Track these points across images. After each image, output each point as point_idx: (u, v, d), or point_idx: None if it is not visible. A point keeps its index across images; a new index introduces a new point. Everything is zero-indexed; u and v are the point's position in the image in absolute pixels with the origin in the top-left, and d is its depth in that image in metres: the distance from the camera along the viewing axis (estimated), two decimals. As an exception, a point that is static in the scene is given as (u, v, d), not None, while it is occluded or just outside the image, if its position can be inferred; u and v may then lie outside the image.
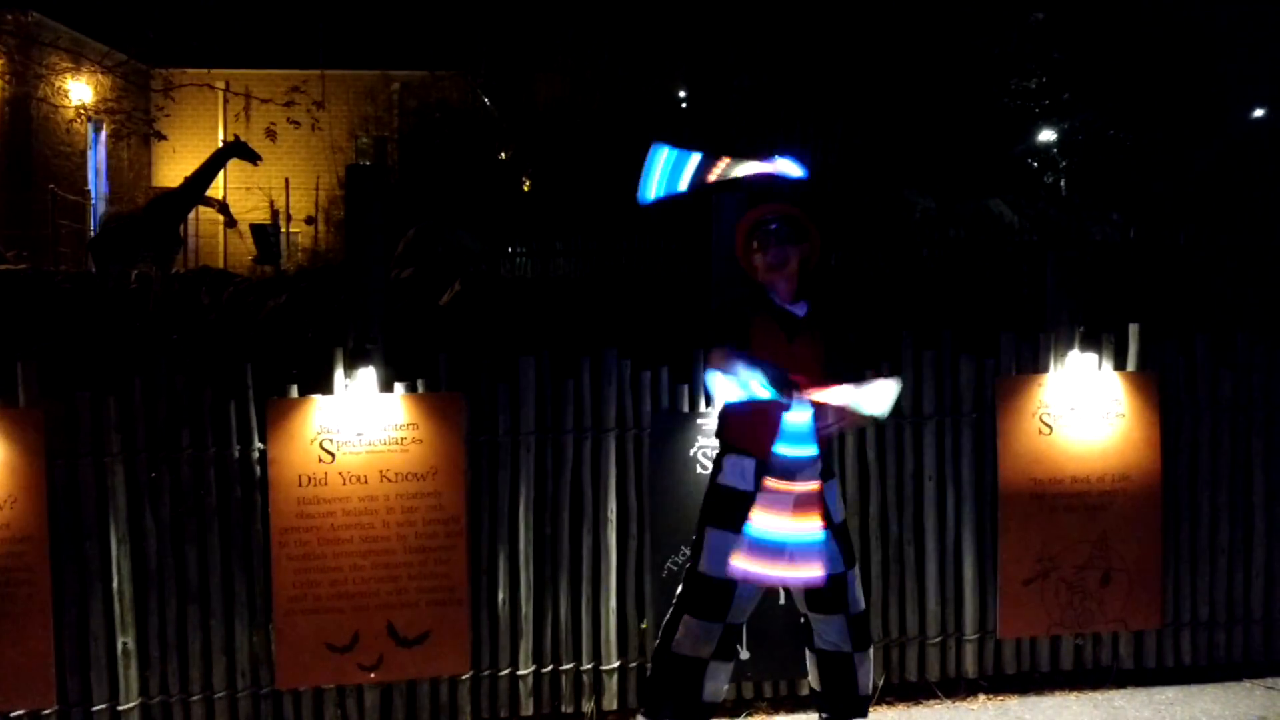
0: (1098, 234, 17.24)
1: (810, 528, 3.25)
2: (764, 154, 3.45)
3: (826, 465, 3.54)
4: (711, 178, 3.39)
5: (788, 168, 3.42)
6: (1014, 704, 4.29)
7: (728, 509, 3.44)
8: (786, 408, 3.21)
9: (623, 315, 8.17)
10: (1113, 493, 4.36)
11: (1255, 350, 4.51)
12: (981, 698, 4.33)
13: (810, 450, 3.29)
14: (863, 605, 3.57)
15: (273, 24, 21.79)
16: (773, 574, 3.26)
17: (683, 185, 3.36)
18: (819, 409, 3.27)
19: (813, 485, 3.29)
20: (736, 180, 3.49)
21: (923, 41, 18.32)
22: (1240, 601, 4.51)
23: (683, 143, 3.43)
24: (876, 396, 3.25)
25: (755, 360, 3.23)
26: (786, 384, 3.19)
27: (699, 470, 4.13)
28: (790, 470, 3.29)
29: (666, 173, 3.37)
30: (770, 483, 3.26)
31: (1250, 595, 4.51)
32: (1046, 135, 23.14)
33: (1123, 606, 4.37)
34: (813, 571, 3.23)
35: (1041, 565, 4.32)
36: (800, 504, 3.25)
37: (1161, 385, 4.42)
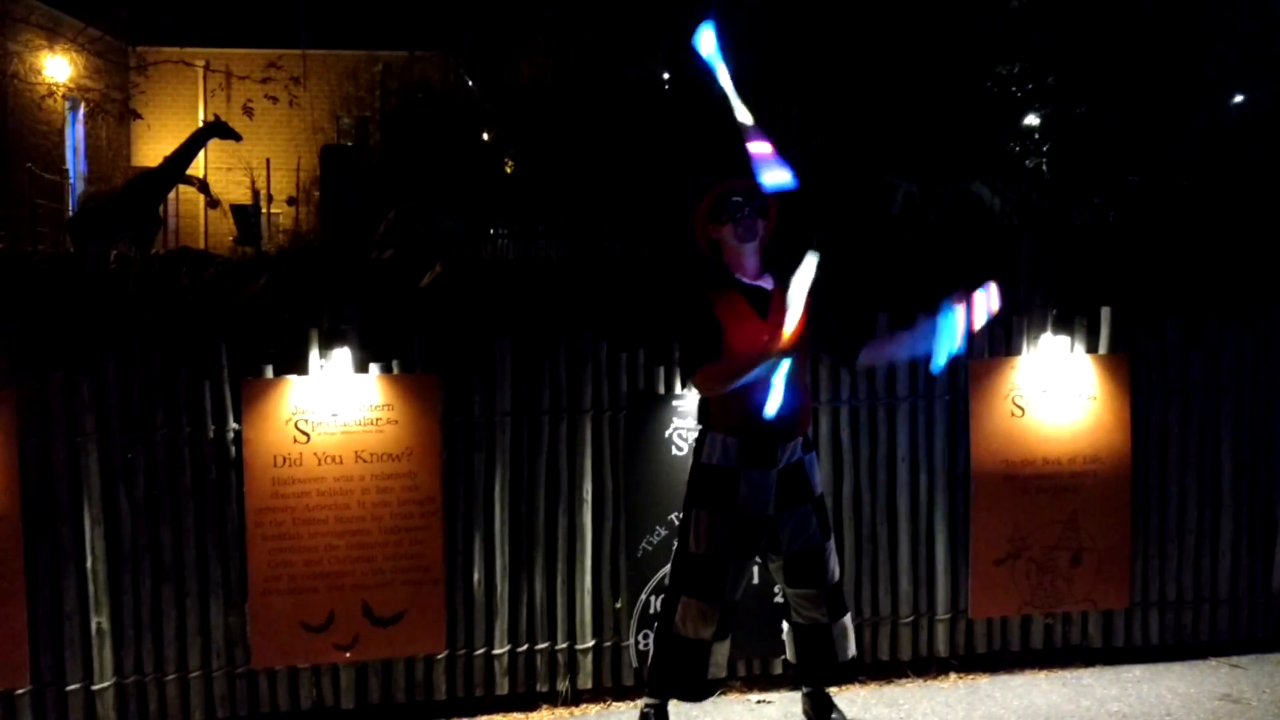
0: (1079, 218, 17.31)
1: None
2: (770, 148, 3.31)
3: (807, 439, 3.60)
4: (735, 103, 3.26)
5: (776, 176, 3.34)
6: (985, 683, 4.34)
7: (714, 488, 3.47)
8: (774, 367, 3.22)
9: (603, 297, 8.17)
10: (1083, 474, 4.41)
11: (1224, 333, 4.55)
12: (953, 676, 4.39)
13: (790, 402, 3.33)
14: (838, 576, 3.64)
15: (254, 2, 21.60)
16: None
17: (722, 78, 3.20)
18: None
19: None
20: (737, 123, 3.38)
21: (906, 25, 18.31)
22: (1207, 582, 4.57)
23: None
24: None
25: (747, 362, 3.25)
26: (775, 355, 3.19)
27: (674, 451, 4.16)
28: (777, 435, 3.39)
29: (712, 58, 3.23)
30: None
31: (1217, 576, 4.57)
32: (1029, 120, 23.18)
33: (1092, 586, 4.42)
34: None
35: (1012, 546, 4.37)
36: None
37: (1132, 368, 4.46)
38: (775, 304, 3.45)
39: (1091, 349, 4.47)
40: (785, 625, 3.72)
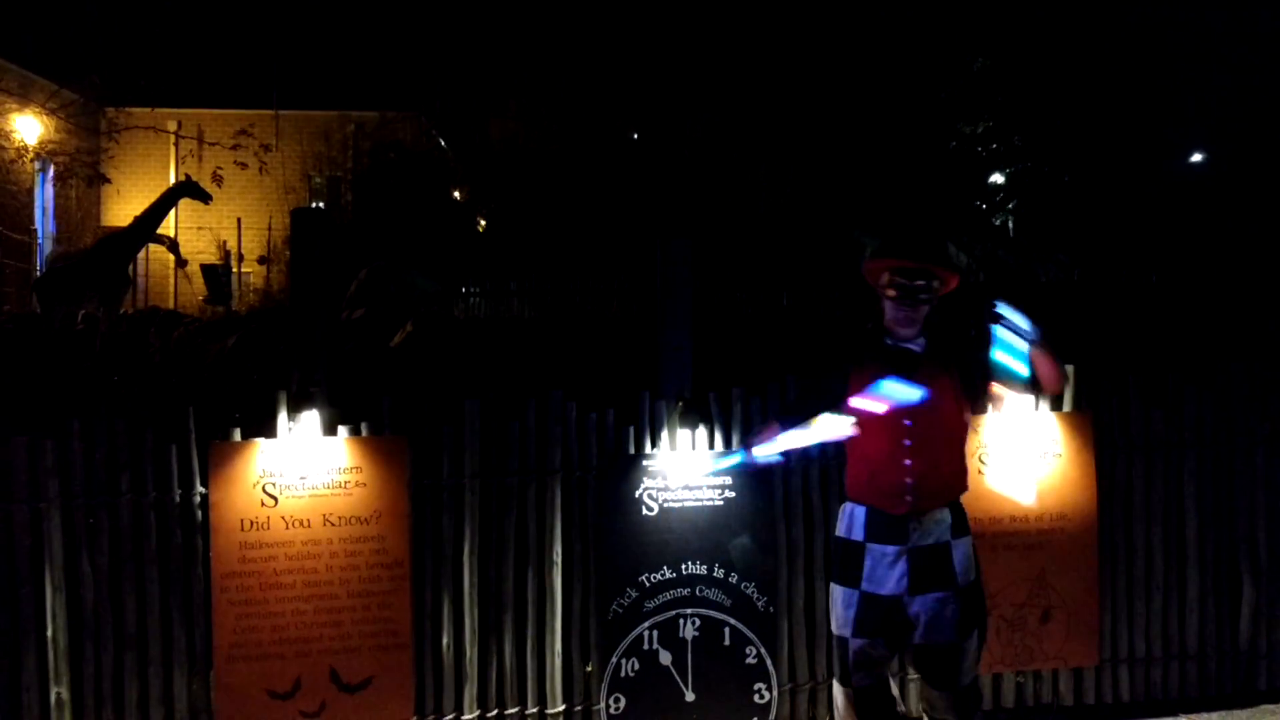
0: (1044, 274, 17.58)
1: None
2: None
3: (959, 522, 3.36)
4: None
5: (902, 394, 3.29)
6: (957, 742, 4.31)
7: (842, 562, 3.32)
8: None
9: (574, 355, 8.19)
10: (1051, 531, 4.43)
11: (1185, 390, 4.62)
12: (925, 736, 4.36)
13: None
14: (971, 676, 3.37)
15: (227, 64, 21.76)
16: None
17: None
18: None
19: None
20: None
21: (871, 86, 18.67)
22: (1175, 638, 4.59)
23: None
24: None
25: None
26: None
27: (645, 512, 4.15)
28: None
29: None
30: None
31: (1185, 631, 4.59)
32: (995, 178, 23.60)
33: (1062, 644, 4.43)
34: None
35: (982, 603, 4.37)
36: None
37: (1096, 425, 4.51)
38: (925, 368, 3.31)
39: (1056, 406, 4.52)
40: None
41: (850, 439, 3.32)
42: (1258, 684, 4.64)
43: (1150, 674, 4.57)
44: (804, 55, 18.38)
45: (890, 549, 3.25)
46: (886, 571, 3.25)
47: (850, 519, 3.34)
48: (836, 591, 3.34)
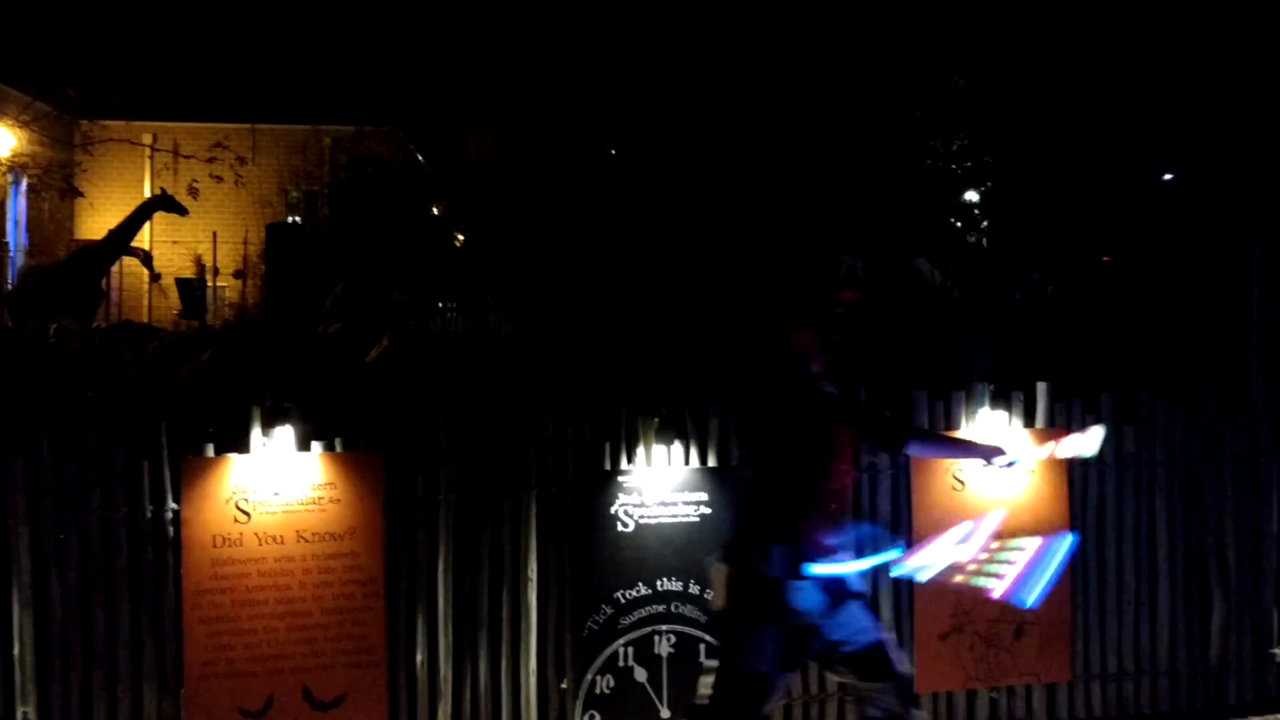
0: (1018, 292, 17.72)
1: None
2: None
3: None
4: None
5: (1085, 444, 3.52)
6: (931, 758, 4.32)
7: (762, 601, 3.26)
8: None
9: (550, 370, 8.19)
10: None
11: (1156, 408, 4.67)
12: (900, 753, 4.36)
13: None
14: (905, 663, 3.45)
15: (203, 77, 21.67)
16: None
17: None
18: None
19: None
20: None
21: (848, 104, 18.81)
22: (1146, 653, 4.62)
23: None
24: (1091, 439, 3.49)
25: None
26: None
27: (620, 528, 4.15)
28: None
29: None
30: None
31: (1156, 647, 4.63)
32: (969, 196, 23.79)
33: (1035, 659, 4.45)
34: None
35: (956, 620, 4.39)
36: None
37: (1069, 442, 4.54)
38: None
39: (1029, 423, 4.55)
40: None
41: (810, 475, 3.29)
42: (1228, 698, 4.67)
43: (1122, 689, 4.60)
44: (781, 74, 18.51)
45: (810, 581, 3.26)
46: (808, 599, 3.26)
47: (782, 555, 3.25)
48: (756, 630, 3.25)
